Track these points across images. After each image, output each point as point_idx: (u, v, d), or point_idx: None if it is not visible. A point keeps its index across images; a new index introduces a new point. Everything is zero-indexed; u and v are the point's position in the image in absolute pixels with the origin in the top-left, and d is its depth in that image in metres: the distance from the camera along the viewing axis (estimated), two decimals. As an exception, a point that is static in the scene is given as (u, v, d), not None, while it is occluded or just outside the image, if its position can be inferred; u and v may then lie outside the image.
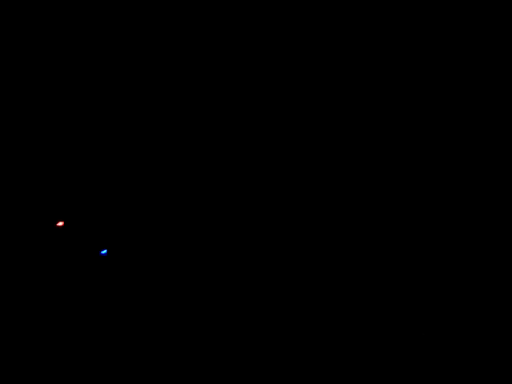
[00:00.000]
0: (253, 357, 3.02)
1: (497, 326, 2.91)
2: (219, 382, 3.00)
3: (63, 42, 3.05)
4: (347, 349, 2.98)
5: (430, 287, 3.00)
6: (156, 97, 3.07)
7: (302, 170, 3.08)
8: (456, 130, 3.04)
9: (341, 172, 3.08)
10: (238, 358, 3.02)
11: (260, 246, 3.11)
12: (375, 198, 3.07)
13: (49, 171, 3.13)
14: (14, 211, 3.17)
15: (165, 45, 3.07)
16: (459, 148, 3.03)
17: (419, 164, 3.05)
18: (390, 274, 3.03)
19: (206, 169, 3.07)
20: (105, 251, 3.19)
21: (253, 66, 3.07)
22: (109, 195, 3.18)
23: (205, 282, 3.10)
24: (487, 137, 3.01)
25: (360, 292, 3.03)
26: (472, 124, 3.02)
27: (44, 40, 3.03)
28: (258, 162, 3.10)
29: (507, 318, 2.91)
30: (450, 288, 2.99)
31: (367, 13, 2.99)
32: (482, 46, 2.99)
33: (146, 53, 3.08)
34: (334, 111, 3.08)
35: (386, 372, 2.93)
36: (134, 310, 3.12)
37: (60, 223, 3.18)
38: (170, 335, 3.05)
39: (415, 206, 3.04)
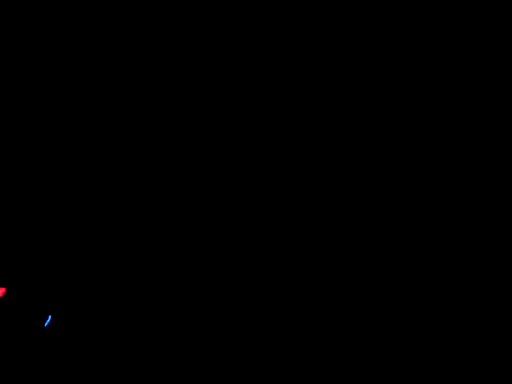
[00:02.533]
0: (253, 357, 3.02)
1: (497, 327, 2.92)
2: (219, 382, 3.00)
3: (63, 42, 3.04)
4: (347, 349, 2.98)
5: (430, 287, 3.01)
6: (151, 97, 3.08)
7: (302, 170, 3.08)
8: (456, 131, 3.05)
9: (341, 172, 3.08)
10: (238, 358, 3.02)
11: (260, 246, 3.11)
12: (375, 199, 3.07)
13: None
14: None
15: (165, 45, 3.07)
16: (459, 148, 3.04)
17: (419, 164, 3.06)
18: (389, 275, 3.04)
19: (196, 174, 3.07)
20: (48, 320, 2.88)
21: (253, 66, 3.08)
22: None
23: (202, 284, 3.10)
24: (487, 137, 3.02)
25: (360, 292, 3.04)
26: (472, 124, 3.03)
27: (44, 40, 3.03)
28: (258, 162, 3.10)
29: (507, 318, 2.92)
30: (450, 288, 3.00)
31: (367, 13, 2.99)
32: (482, 47, 3.00)
33: (146, 53, 3.08)
34: (335, 111, 3.08)
35: (386, 372, 2.94)
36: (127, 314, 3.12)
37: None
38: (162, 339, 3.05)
39: (415, 207, 3.05)
